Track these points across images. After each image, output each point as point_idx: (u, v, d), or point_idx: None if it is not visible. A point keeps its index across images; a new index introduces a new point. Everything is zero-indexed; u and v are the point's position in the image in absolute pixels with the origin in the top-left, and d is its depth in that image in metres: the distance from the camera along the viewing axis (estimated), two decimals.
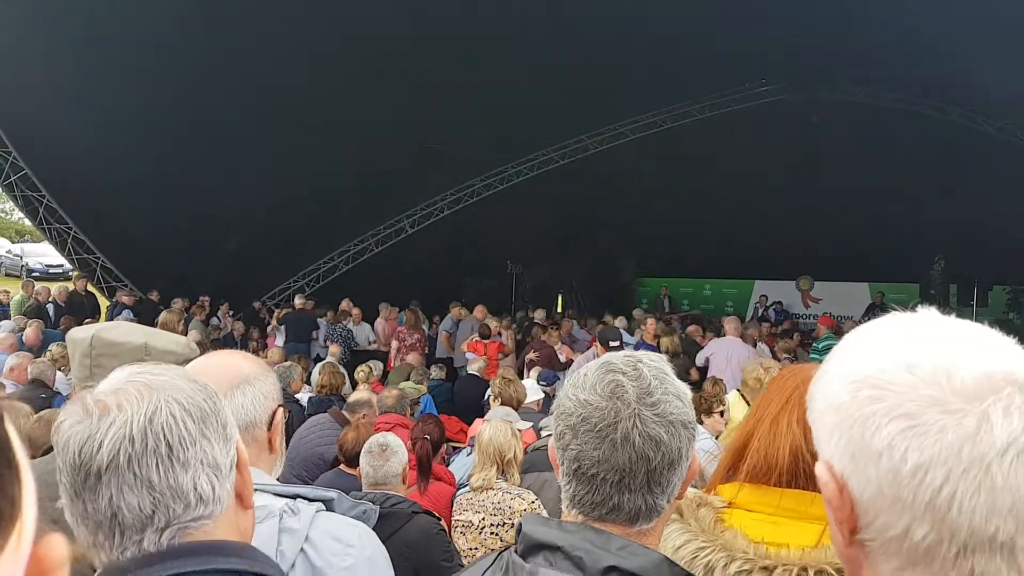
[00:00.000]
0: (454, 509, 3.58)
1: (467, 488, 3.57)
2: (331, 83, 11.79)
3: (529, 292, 17.33)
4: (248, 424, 1.49)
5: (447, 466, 4.45)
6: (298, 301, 12.78)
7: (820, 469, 0.78)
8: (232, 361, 1.60)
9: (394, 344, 11.00)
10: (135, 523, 0.95)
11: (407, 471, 3.30)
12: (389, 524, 3.11)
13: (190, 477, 0.98)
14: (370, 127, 12.52)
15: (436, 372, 9.44)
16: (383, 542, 3.01)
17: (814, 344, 9.82)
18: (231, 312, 13.41)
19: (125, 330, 2.04)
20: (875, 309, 14.62)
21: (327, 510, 1.55)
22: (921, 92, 13.43)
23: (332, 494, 1.59)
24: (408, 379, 7.91)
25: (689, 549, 1.40)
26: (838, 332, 10.82)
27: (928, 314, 0.80)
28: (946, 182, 13.52)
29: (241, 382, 1.52)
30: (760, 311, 16.05)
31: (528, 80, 12.27)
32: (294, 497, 1.50)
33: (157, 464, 0.96)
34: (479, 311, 11.60)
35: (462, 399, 8.53)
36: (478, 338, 10.34)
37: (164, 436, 0.97)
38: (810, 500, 1.42)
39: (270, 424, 1.57)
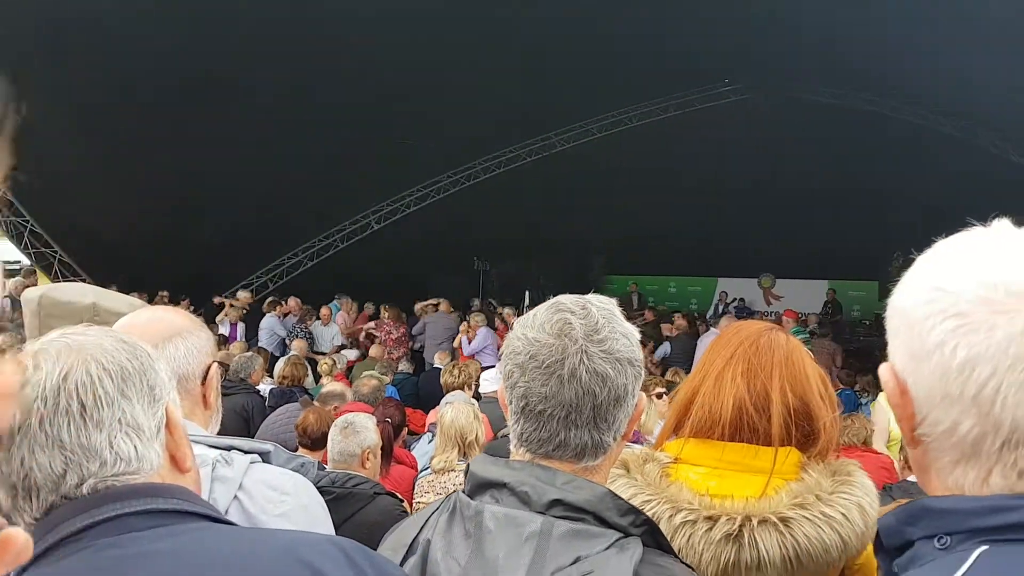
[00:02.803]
0: (415, 492, 3.58)
1: (428, 471, 3.58)
2: (297, 76, 11.68)
3: (496, 289, 17.35)
4: (180, 378, 1.48)
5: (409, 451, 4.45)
6: (243, 295, 12.59)
7: (883, 370, 0.83)
8: (163, 316, 1.59)
9: (381, 336, 10.96)
10: (47, 483, 0.93)
11: (369, 455, 3.26)
12: (350, 504, 3.08)
13: (105, 437, 0.95)
14: (337, 122, 12.44)
15: (404, 366, 9.44)
16: (343, 523, 2.99)
17: None
18: (191, 307, 13.21)
19: (76, 290, 2.02)
20: (828, 305, 15.16)
21: (264, 463, 1.54)
22: (881, 92, 13.71)
23: (268, 447, 1.57)
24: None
25: (635, 502, 1.43)
26: (802, 323, 11.30)
27: (1001, 226, 0.83)
28: (905, 182, 13.82)
29: (173, 335, 1.51)
30: (721, 308, 16.28)
31: (495, 77, 12.29)
32: (228, 448, 1.49)
33: (69, 423, 0.94)
34: (444, 306, 11.65)
35: (427, 393, 8.52)
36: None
37: (77, 395, 0.95)
38: (753, 453, 1.46)
39: (204, 379, 1.57)
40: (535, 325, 1.14)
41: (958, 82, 11.44)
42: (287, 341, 10.78)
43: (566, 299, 1.17)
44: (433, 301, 11.98)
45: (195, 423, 1.51)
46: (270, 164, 12.95)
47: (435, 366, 9.16)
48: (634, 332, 1.18)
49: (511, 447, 1.18)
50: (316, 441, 3.52)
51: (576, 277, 18.01)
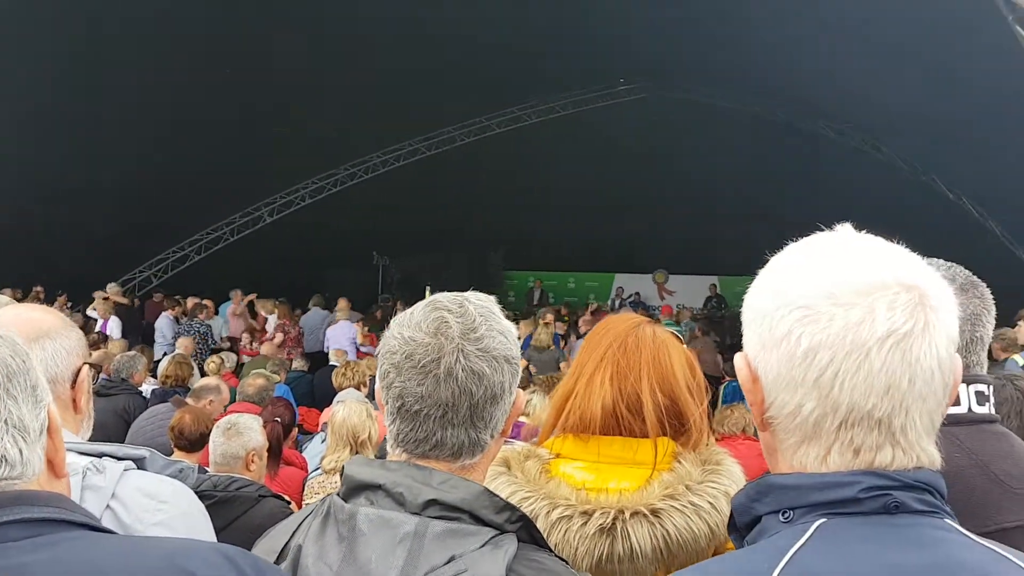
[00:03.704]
0: (305, 493, 3.50)
1: (319, 471, 3.51)
2: (189, 62, 11.17)
3: (396, 284, 17.19)
4: (49, 380, 1.41)
5: (300, 452, 4.34)
6: (112, 288, 11.91)
7: (737, 359, 0.90)
8: (30, 315, 1.50)
9: (279, 336, 10.61)
10: None
11: (254, 456, 3.15)
12: (233, 508, 2.98)
13: None
14: (228, 111, 11.98)
15: (298, 363, 9.19)
16: (226, 527, 2.90)
17: None
18: (69, 304, 12.42)
19: None
20: (711, 300, 15.97)
21: (139, 469, 1.48)
22: (767, 95, 14.34)
23: (143, 452, 1.51)
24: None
25: (514, 499, 1.44)
26: (675, 318, 12.32)
27: (845, 231, 0.91)
28: (793, 182, 14.53)
29: (40, 336, 1.43)
30: (618, 303, 16.73)
31: (394, 70, 12.15)
32: (100, 456, 1.43)
33: None
34: (342, 303, 11.43)
35: (323, 391, 8.34)
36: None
37: None
38: (633, 446, 1.51)
39: (74, 382, 1.49)
40: (411, 324, 1.13)
41: (841, 89, 12.09)
42: (174, 340, 10.30)
43: (443, 297, 1.16)
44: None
45: (66, 429, 1.43)
46: (156, 152, 12.34)
47: (331, 363, 8.98)
48: (512, 330, 1.17)
49: (388, 447, 1.17)
50: (194, 442, 3.37)
51: (477, 272, 18.09)
